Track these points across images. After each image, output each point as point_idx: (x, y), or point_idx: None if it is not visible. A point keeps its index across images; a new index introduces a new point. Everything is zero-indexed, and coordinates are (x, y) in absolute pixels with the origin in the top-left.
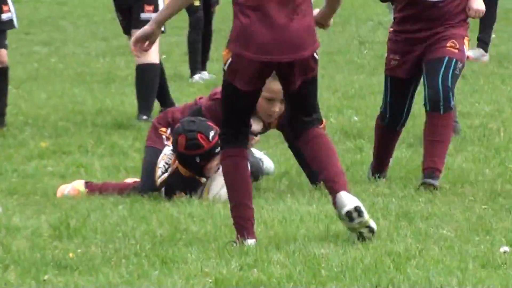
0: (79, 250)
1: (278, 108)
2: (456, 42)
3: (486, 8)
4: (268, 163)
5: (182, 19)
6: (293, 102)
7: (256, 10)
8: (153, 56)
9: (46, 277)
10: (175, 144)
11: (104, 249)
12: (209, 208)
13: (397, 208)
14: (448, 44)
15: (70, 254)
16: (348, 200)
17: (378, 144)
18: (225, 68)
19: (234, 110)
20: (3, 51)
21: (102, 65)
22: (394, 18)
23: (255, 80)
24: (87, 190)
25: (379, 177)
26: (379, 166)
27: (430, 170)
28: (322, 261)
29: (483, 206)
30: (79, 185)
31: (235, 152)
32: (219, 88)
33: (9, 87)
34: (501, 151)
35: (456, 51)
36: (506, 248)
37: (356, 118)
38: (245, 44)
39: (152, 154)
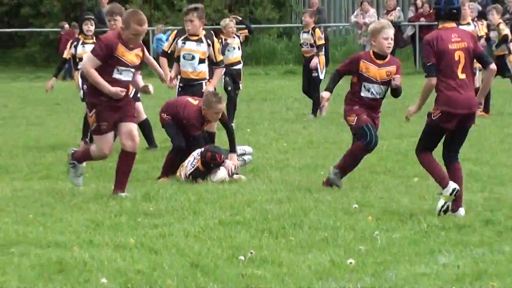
0: (152, 208)
1: (219, 117)
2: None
3: None
4: (248, 149)
5: None
6: (453, 141)
7: (454, 87)
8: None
9: (139, 219)
10: (204, 156)
11: (167, 206)
12: (216, 188)
13: (296, 179)
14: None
15: (151, 208)
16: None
17: (354, 163)
18: (434, 118)
19: (434, 139)
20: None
21: None
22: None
23: (454, 123)
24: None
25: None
26: (345, 174)
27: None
28: (269, 212)
29: (344, 187)
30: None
31: (431, 155)
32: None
33: None
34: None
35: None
36: (356, 205)
37: (285, 144)
38: (452, 105)
39: (168, 127)
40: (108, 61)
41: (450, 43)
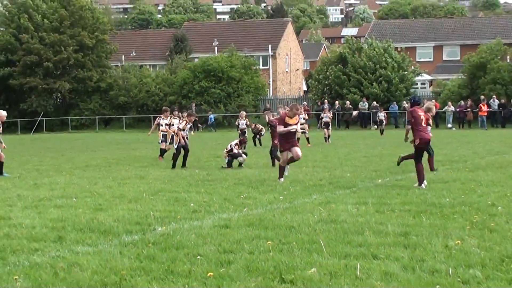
0: (210, 178)
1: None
2: None
3: None
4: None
5: None
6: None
7: (422, 130)
8: None
9: (205, 182)
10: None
11: (215, 178)
12: (233, 169)
13: (259, 169)
14: None
15: (209, 178)
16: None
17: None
18: (416, 144)
19: (420, 153)
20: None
21: None
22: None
23: (423, 144)
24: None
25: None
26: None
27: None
28: (252, 179)
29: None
30: None
31: (421, 164)
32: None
33: None
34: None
35: None
36: (282, 179)
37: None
38: (420, 136)
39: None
40: (283, 124)
41: (420, 112)
